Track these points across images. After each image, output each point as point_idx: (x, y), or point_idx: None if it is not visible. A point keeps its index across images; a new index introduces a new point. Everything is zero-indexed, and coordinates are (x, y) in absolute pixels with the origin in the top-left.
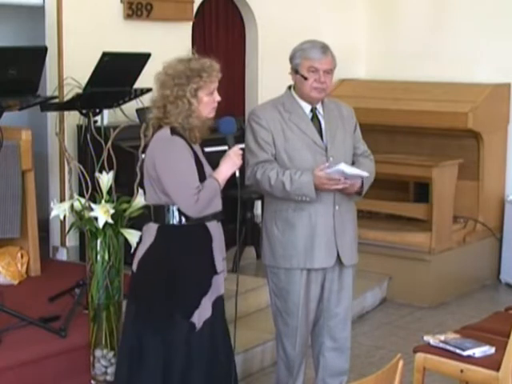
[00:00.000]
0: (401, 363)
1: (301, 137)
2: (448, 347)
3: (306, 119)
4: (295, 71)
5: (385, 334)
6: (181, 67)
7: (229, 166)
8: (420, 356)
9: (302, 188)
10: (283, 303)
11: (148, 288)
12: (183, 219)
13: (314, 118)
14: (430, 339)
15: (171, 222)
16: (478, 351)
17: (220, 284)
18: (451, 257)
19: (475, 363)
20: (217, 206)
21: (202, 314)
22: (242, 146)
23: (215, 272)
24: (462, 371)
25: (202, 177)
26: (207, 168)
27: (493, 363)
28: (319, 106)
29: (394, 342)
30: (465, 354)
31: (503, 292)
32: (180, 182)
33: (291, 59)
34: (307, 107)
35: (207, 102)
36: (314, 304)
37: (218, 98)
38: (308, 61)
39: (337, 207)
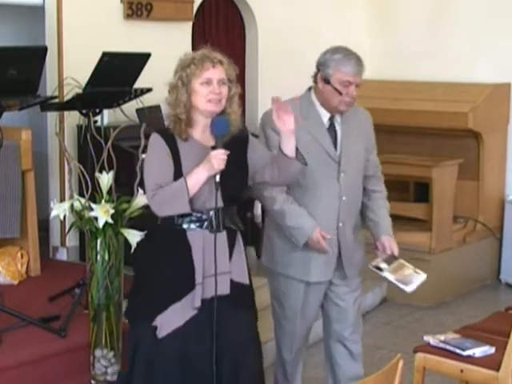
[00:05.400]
0: (401, 363)
1: (314, 146)
2: (448, 347)
3: (323, 129)
4: (325, 81)
5: (385, 334)
6: (183, 58)
7: (204, 168)
8: (420, 356)
9: (298, 230)
10: (281, 307)
11: (132, 285)
12: (160, 221)
13: (331, 127)
14: (430, 339)
15: (155, 222)
16: (478, 351)
17: (198, 297)
18: (451, 257)
19: (475, 363)
20: (180, 207)
21: (167, 321)
22: (227, 152)
23: (193, 283)
24: (462, 371)
25: (178, 176)
26: (187, 168)
27: (493, 363)
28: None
29: (394, 342)
30: (465, 353)
31: (503, 292)
32: (145, 179)
33: (321, 66)
34: (326, 115)
35: (201, 93)
36: (313, 311)
37: (217, 90)
38: (343, 74)
39: (340, 224)
